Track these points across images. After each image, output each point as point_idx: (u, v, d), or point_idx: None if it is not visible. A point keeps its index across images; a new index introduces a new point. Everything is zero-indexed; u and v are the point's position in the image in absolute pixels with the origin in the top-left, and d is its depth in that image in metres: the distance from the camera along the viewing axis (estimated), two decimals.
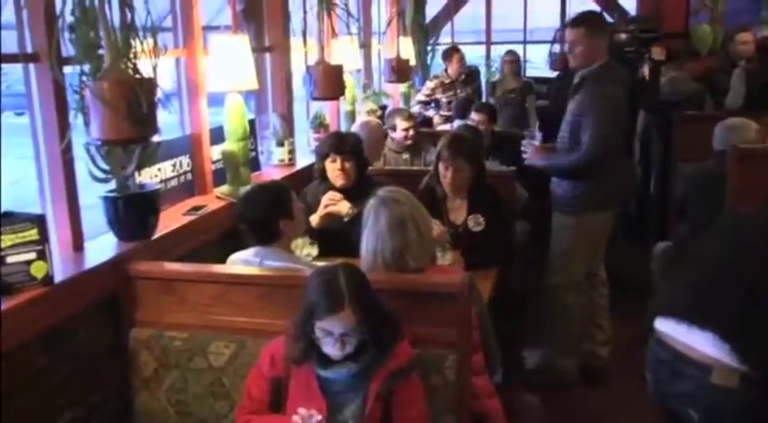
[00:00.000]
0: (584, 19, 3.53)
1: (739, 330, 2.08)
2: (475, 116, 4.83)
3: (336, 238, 3.12)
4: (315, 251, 3.22)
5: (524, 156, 3.70)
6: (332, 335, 1.91)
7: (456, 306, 2.14)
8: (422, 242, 2.39)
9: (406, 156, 4.66)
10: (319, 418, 1.91)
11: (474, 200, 3.36)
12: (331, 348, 1.93)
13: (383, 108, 5.51)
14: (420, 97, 6.65)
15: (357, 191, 3.24)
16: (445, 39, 8.13)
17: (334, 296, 1.91)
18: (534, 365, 3.88)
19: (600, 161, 3.40)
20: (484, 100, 7.38)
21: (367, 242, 2.43)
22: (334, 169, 3.36)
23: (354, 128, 4.38)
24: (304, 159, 4.12)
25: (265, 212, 2.51)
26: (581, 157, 3.39)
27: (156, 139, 2.39)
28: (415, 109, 6.50)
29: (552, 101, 6.46)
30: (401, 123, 4.61)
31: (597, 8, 7.05)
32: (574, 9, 7.76)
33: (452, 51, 6.70)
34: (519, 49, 7.78)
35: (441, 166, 3.35)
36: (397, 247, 2.35)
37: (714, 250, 2.36)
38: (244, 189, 2.94)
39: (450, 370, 2.16)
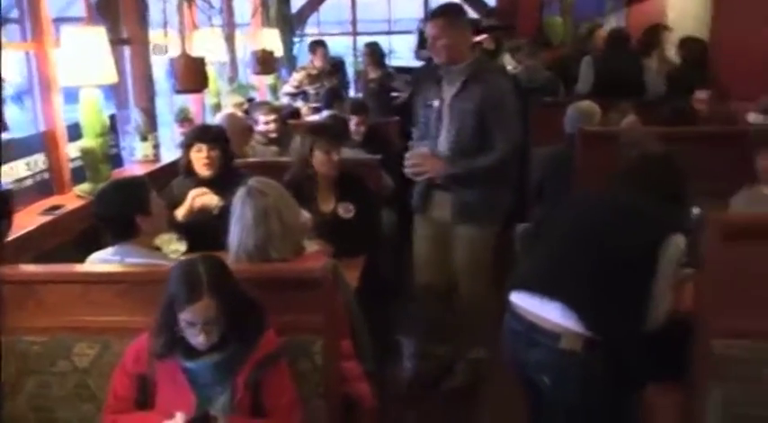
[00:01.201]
0: (444, 11, 3.32)
1: (585, 299, 2.24)
2: (354, 119, 4.78)
3: (206, 232, 3.07)
4: (183, 247, 3.17)
5: (417, 170, 3.32)
6: (195, 326, 1.91)
7: (321, 292, 2.17)
8: (285, 234, 2.42)
9: (274, 147, 4.67)
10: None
11: (342, 187, 3.40)
12: (195, 339, 1.93)
13: (250, 100, 5.48)
14: (288, 89, 6.67)
15: (224, 182, 3.21)
16: (312, 29, 8.18)
17: (192, 286, 1.91)
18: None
19: (513, 156, 3.32)
20: (352, 89, 7.49)
21: (233, 234, 2.45)
22: (199, 159, 3.31)
23: (217, 120, 4.34)
24: (169, 154, 4.05)
25: (120, 209, 2.45)
26: (501, 154, 3.22)
27: (4, 136, 2.30)
28: (284, 100, 6.51)
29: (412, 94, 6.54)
30: (262, 117, 4.66)
31: (458, 0, 7.27)
32: (436, 0, 7.99)
33: (316, 46, 6.80)
34: (384, 39, 7.89)
35: (319, 154, 3.32)
36: (260, 240, 2.38)
37: (562, 227, 2.54)
38: None
39: (319, 355, 2.20)
